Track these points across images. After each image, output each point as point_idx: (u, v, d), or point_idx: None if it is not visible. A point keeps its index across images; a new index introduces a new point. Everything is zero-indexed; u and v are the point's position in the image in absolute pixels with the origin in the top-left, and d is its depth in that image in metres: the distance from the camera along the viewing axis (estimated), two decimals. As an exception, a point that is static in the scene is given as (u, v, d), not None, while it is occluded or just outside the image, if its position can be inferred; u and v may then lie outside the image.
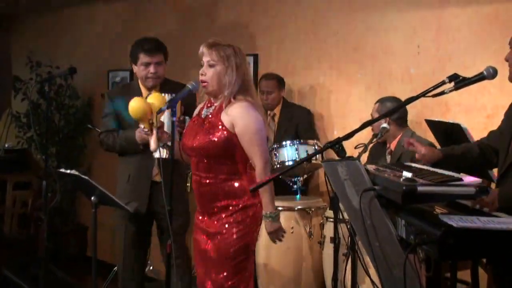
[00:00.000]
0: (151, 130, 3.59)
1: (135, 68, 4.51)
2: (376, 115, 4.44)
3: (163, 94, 3.72)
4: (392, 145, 4.49)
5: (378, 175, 2.59)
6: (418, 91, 4.44)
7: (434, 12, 4.75)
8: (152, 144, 3.59)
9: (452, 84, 2.81)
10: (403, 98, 4.42)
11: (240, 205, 3.46)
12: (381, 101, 4.52)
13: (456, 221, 2.23)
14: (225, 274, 3.43)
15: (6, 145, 8.02)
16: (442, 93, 2.79)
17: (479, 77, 2.81)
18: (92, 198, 3.95)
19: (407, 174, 2.40)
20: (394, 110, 3.99)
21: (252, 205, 3.48)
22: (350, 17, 5.25)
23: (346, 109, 5.26)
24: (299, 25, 5.62)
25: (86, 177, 3.92)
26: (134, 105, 3.62)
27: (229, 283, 3.43)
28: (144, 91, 4.51)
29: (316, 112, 5.48)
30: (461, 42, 4.61)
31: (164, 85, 4.52)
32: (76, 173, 3.96)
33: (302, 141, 4.66)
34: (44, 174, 4.38)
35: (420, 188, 2.29)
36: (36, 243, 6.84)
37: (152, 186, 4.48)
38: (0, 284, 5.31)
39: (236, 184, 3.47)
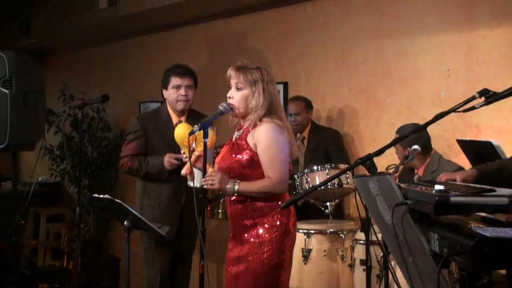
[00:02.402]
0: (190, 157, 3.65)
1: (166, 93, 4.59)
2: (399, 146, 4.41)
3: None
4: (420, 171, 4.46)
5: (410, 189, 2.58)
6: (449, 115, 4.47)
7: (463, 35, 4.75)
8: (185, 169, 3.65)
9: (483, 99, 2.79)
10: (435, 123, 4.40)
11: (268, 224, 3.46)
12: (401, 131, 4.44)
13: (490, 232, 2.21)
14: None
15: (40, 179, 8.14)
16: (473, 108, 2.77)
17: (510, 92, 2.79)
18: (125, 222, 3.98)
19: (439, 187, 2.39)
20: (427, 125, 3.87)
21: (281, 223, 3.48)
22: (379, 43, 5.27)
23: (376, 134, 5.26)
24: (328, 52, 5.65)
25: (119, 201, 3.96)
26: (181, 131, 3.70)
27: None
28: (173, 116, 4.59)
29: (347, 136, 5.48)
30: (491, 64, 4.60)
31: (190, 114, 4.59)
32: (109, 197, 4.01)
33: (333, 165, 4.65)
34: (77, 204, 4.43)
35: (452, 199, 2.27)
36: (69, 275, 6.88)
37: (182, 212, 4.55)
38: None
39: (264, 202, 3.48)
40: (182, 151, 3.73)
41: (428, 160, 4.43)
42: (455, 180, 3.02)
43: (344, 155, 5.24)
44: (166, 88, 4.60)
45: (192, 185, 3.66)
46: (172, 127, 4.42)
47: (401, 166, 4.30)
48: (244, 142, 3.50)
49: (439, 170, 4.29)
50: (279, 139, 3.46)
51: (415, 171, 4.53)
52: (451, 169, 4.26)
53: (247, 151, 3.47)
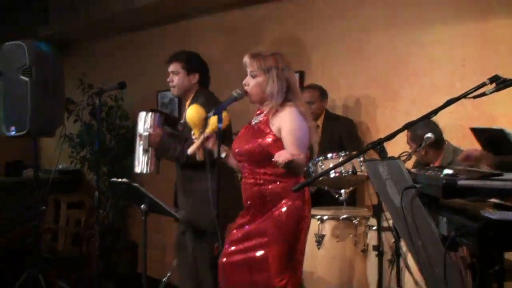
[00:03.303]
0: (198, 138, 3.72)
1: None
2: (411, 143, 4.44)
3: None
4: (436, 164, 4.47)
5: (419, 173, 2.62)
6: (463, 103, 4.49)
7: (479, 25, 4.76)
8: (191, 148, 3.73)
9: (493, 85, 2.82)
10: (447, 111, 4.42)
11: (284, 207, 3.52)
12: (412, 128, 4.38)
13: (497, 215, 2.25)
14: (272, 274, 3.49)
15: (60, 166, 8.26)
16: (483, 94, 2.81)
17: (520, 78, 2.82)
18: (142, 206, 4.06)
19: (447, 171, 2.43)
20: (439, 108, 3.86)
21: (296, 208, 3.54)
22: (394, 32, 5.29)
23: (392, 123, 5.28)
24: (344, 42, 5.68)
25: (136, 185, 4.04)
26: (193, 112, 3.77)
27: (277, 281, 3.48)
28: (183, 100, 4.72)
29: (362, 126, 5.52)
30: (506, 54, 4.60)
31: (195, 97, 4.66)
32: (127, 181, 4.09)
33: (347, 153, 4.68)
34: (96, 189, 4.53)
35: (460, 182, 2.30)
36: (88, 260, 6.99)
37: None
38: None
39: (281, 186, 3.54)
40: (192, 132, 3.79)
41: (442, 153, 4.46)
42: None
43: (358, 144, 5.25)
44: None
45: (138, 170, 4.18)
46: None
47: (415, 159, 4.33)
48: (266, 127, 3.57)
49: (454, 161, 4.32)
50: (302, 123, 3.54)
51: (430, 165, 4.53)
52: None
53: (270, 135, 3.54)
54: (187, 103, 4.69)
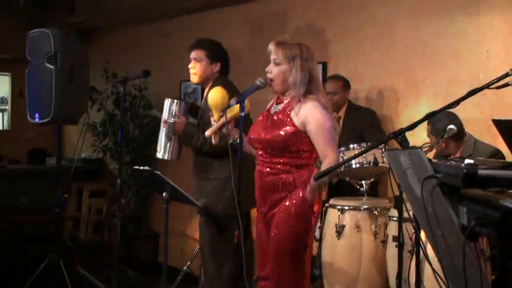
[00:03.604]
0: (217, 122, 3.74)
1: None
2: (431, 137, 4.42)
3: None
4: (457, 155, 4.46)
5: (440, 163, 2.61)
6: (487, 96, 4.48)
7: (504, 16, 4.72)
8: (209, 130, 3.75)
9: (517, 76, 2.81)
10: (471, 103, 4.41)
11: (296, 198, 3.54)
12: (432, 122, 4.38)
13: (517, 205, 2.24)
14: (280, 265, 3.51)
15: (83, 155, 8.34)
16: (506, 85, 2.80)
17: (544, 69, 2.80)
18: (164, 194, 4.10)
19: (469, 161, 2.42)
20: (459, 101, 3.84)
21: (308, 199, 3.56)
22: (418, 23, 5.27)
23: (415, 115, 5.25)
24: (367, 33, 5.67)
25: (158, 172, 4.07)
26: (215, 95, 3.79)
27: (285, 274, 3.50)
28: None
29: (385, 117, 5.50)
30: (531, 46, 4.59)
31: (214, 85, 4.64)
32: (149, 168, 4.12)
33: (369, 144, 4.68)
34: (118, 174, 4.57)
35: (480, 171, 2.30)
36: (109, 248, 7.05)
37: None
38: (76, 282, 5.50)
39: (295, 176, 3.55)
40: (210, 114, 3.81)
41: (462, 146, 4.43)
42: None
43: (380, 136, 5.20)
44: None
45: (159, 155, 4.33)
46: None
47: (435, 149, 4.32)
48: (287, 118, 3.57)
49: (475, 153, 4.30)
50: (326, 117, 3.54)
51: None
52: (486, 151, 4.27)
53: (291, 126, 3.54)
54: (206, 90, 4.71)
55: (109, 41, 8.94)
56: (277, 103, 3.71)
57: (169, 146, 4.56)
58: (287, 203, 3.55)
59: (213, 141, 3.81)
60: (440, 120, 4.29)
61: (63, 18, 8.37)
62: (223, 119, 3.66)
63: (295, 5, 6.33)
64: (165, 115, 4.59)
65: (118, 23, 8.51)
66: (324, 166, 3.47)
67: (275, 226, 3.56)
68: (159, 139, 4.64)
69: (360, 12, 5.72)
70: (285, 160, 3.56)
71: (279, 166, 3.57)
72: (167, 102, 4.65)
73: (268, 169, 3.60)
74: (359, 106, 5.50)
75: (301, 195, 3.54)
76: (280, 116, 3.59)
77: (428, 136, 4.48)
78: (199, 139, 4.51)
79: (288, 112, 3.57)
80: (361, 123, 5.27)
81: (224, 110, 3.62)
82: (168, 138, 4.57)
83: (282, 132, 3.53)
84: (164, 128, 4.58)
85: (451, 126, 4.24)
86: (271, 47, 3.60)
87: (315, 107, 3.52)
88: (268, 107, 3.80)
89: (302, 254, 3.56)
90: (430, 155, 4.50)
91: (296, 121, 3.53)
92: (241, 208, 3.47)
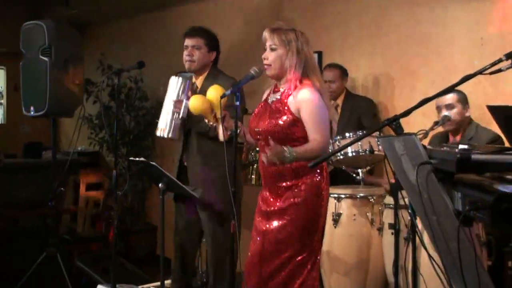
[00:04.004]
0: (217, 122, 3.72)
1: None
2: (458, 105, 4.39)
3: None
4: (457, 137, 4.46)
5: (434, 149, 2.62)
6: (482, 82, 4.48)
7: (497, 3, 4.72)
8: (220, 135, 3.72)
9: (510, 62, 2.80)
10: (466, 91, 4.41)
11: (304, 184, 3.54)
12: (456, 91, 4.33)
13: (511, 188, 2.24)
14: (290, 252, 3.52)
15: (79, 148, 8.33)
16: (499, 70, 2.79)
17: (537, 54, 2.79)
18: (160, 185, 4.09)
19: (463, 146, 2.42)
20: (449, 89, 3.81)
21: (315, 183, 3.56)
22: (412, 11, 5.26)
23: (410, 103, 5.22)
24: (362, 21, 5.66)
25: (154, 163, 4.07)
26: (194, 102, 3.77)
27: (297, 259, 3.51)
28: (193, 77, 4.70)
29: (381, 105, 5.50)
30: (525, 32, 4.58)
31: (210, 74, 4.71)
32: (145, 160, 4.12)
33: (365, 132, 4.68)
34: (114, 166, 4.56)
35: (474, 156, 2.30)
36: (107, 241, 7.05)
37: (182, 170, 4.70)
38: (73, 275, 5.51)
39: (298, 165, 3.55)
40: (206, 120, 3.79)
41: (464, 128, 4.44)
42: None
43: (376, 124, 5.22)
44: None
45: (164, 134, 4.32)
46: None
47: (433, 132, 4.32)
48: (284, 106, 3.56)
49: (475, 137, 4.31)
50: (320, 102, 3.54)
51: (450, 138, 4.53)
52: (488, 136, 4.26)
53: (288, 115, 3.54)
54: (199, 79, 4.69)
55: (104, 34, 8.92)
56: (274, 92, 3.70)
57: (175, 125, 4.48)
58: (294, 192, 3.56)
59: (221, 138, 3.78)
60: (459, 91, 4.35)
61: (57, 11, 8.34)
62: (220, 117, 3.67)
63: (289, -5, 6.32)
64: (174, 94, 4.52)
65: (113, 15, 8.49)
66: (307, 148, 3.48)
67: (284, 214, 3.57)
68: (165, 118, 4.52)
69: (355, 1, 5.71)
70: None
71: None
72: (175, 80, 4.58)
73: None
74: (356, 95, 5.51)
75: (308, 181, 3.56)
76: (278, 105, 3.59)
77: (453, 106, 4.43)
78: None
79: (285, 100, 3.57)
80: (358, 111, 5.29)
81: (221, 97, 3.60)
82: (176, 117, 4.47)
83: (280, 122, 3.53)
84: (175, 107, 4.48)
85: (446, 113, 4.25)
86: (266, 33, 3.61)
87: (310, 93, 3.52)
88: (265, 97, 3.79)
89: (310, 241, 3.58)
90: (426, 142, 4.50)
91: (293, 107, 3.53)
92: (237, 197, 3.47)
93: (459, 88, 3.22)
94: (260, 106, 3.76)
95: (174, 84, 4.53)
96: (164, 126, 4.47)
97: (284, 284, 3.58)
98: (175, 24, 7.55)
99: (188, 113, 4.35)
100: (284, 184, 3.59)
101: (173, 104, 4.46)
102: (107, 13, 8.43)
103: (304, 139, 3.55)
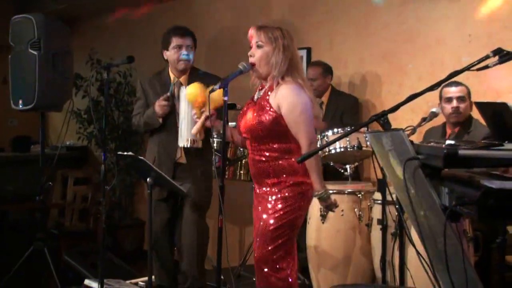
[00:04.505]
0: (200, 117, 3.73)
1: (167, 54, 4.71)
2: (467, 99, 4.47)
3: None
4: (456, 130, 4.49)
5: (422, 145, 2.63)
6: (470, 79, 4.51)
7: (485, 1, 4.76)
8: (195, 128, 3.73)
9: (497, 58, 2.82)
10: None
11: (290, 182, 3.55)
12: (464, 84, 4.48)
13: (497, 184, 2.26)
14: (269, 248, 3.53)
15: (68, 143, 8.31)
16: (486, 67, 2.80)
17: (523, 50, 2.81)
18: (148, 179, 4.09)
19: (450, 141, 2.44)
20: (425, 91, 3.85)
21: (302, 183, 3.57)
22: (401, 8, 5.30)
23: (398, 99, 5.21)
24: (350, 18, 5.69)
25: (142, 158, 4.07)
26: (192, 90, 3.77)
27: (274, 257, 3.52)
28: (172, 77, 4.70)
29: (368, 102, 5.53)
30: (512, 29, 4.62)
31: (193, 73, 4.71)
32: (132, 154, 4.12)
33: (353, 128, 4.69)
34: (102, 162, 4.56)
35: (461, 152, 2.31)
36: (95, 235, 7.04)
37: (176, 168, 4.68)
38: (61, 269, 5.50)
39: (288, 162, 3.56)
40: (193, 112, 3.79)
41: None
42: None
43: (357, 121, 5.28)
44: (167, 49, 4.71)
45: (181, 144, 4.19)
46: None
47: (429, 125, 4.36)
48: (266, 103, 3.56)
49: (473, 131, 4.36)
50: (300, 98, 3.52)
51: (448, 130, 4.55)
52: (485, 132, 4.30)
53: (270, 112, 3.53)
54: (182, 78, 4.69)
55: (94, 28, 8.89)
56: (259, 90, 3.71)
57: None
58: (281, 189, 3.57)
59: (198, 136, 3.79)
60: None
61: (47, 5, 8.31)
62: (205, 114, 3.68)
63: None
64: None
65: (103, 9, 8.46)
66: (310, 166, 3.54)
67: (266, 210, 3.58)
68: (188, 127, 4.24)
69: (344, -3, 5.74)
70: (274, 146, 3.56)
71: (268, 153, 3.57)
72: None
73: (258, 156, 3.61)
74: (341, 92, 5.53)
75: (294, 179, 3.56)
76: (261, 102, 3.59)
77: (465, 99, 4.50)
78: None
79: (267, 97, 3.57)
80: (341, 108, 5.31)
81: (210, 92, 3.61)
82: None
83: (263, 119, 3.53)
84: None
85: (434, 110, 4.28)
86: (252, 31, 3.62)
87: (290, 90, 3.52)
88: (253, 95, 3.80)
89: (290, 236, 3.57)
90: (414, 138, 4.53)
91: (274, 105, 3.52)
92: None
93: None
94: (247, 104, 3.77)
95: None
96: (191, 137, 4.29)
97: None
98: (166, 20, 7.53)
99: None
100: (271, 181, 3.60)
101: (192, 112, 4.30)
102: (97, 7, 8.39)
103: (287, 135, 3.55)
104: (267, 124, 3.52)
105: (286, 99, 3.51)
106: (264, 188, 3.63)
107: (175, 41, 4.67)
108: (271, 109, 3.52)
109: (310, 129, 3.55)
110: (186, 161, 4.66)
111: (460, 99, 4.45)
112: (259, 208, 3.64)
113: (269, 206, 3.57)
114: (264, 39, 3.56)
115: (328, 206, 3.68)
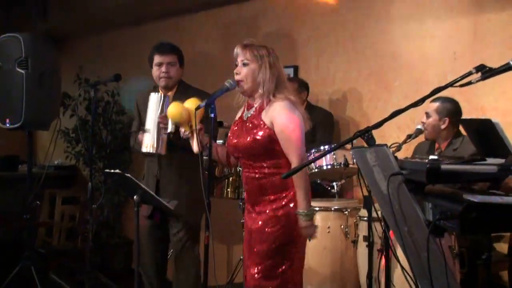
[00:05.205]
0: (192, 133, 3.72)
1: (152, 71, 4.72)
2: (434, 115, 4.46)
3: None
4: (443, 146, 4.52)
5: (405, 160, 2.65)
6: (455, 96, 4.55)
7: (470, 19, 4.81)
8: (195, 146, 3.72)
9: (479, 74, 2.84)
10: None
11: (284, 199, 3.56)
12: (442, 100, 4.46)
13: (479, 198, 2.28)
14: (272, 263, 3.53)
15: (56, 162, 8.30)
16: (469, 83, 2.82)
17: (506, 67, 2.83)
18: (135, 197, 4.08)
19: (433, 157, 2.46)
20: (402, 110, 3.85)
21: (295, 199, 3.57)
22: (387, 26, 5.34)
23: (384, 116, 5.25)
24: (338, 36, 5.73)
25: (129, 175, 4.06)
26: (173, 110, 3.77)
27: (279, 270, 3.54)
28: (161, 93, 4.69)
29: (355, 119, 5.56)
30: (497, 47, 4.66)
31: (181, 89, 4.70)
32: (120, 171, 4.11)
33: (336, 145, 4.72)
34: (89, 179, 4.55)
35: (443, 167, 2.33)
36: (82, 255, 7.01)
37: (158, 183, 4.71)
38: (48, 288, 5.48)
39: (279, 178, 3.55)
40: (182, 129, 3.79)
41: (451, 137, 4.50)
42: None
43: (327, 135, 5.29)
44: (151, 66, 4.75)
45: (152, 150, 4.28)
46: None
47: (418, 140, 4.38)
48: (259, 121, 3.56)
49: (460, 149, 4.37)
50: (293, 116, 3.53)
51: (436, 145, 4.57)
52: (471, 150, 4.33)
53: (265, 129, 3.53)
54: (169, 94, 4.68)
55: (82, 47, 8.91)
56: (248, 109, 3.71)
57: (162, 140, 4.44)
58: (276, 205, 3.57)
59: (195, 150, 3.78)
60: (449, 101, 4.43)
61: (35, 24, 8.33)
62: (196, 128, 3.68)
63: (266, 10, 6.37)
64: (157, 109, 4.44)
65: (91, 29, 8.49)
66: (299, 185, 3.53)
67: (265, 226, 3.57)
68: (152, 134, 4.42)
69: (331, 16, 5.78)
70: (269, 162, 3.57)
71: (264, 170, 3.58)
72: (157, 96, 4.46)
73: (253, 174, 3.61)
74: (315, 106, 5.55)
75: (289, 195, 3.57)
76: (253, 121, 3.59)
77: (427, 112, 4.50)
78: None
79: (259, 115, 3.58)
80: (314, 121, 5.30)
81: (196, 109, 3.62)
82: (164, 132, 4.36)
83: (258, 137, 3.53)
84: (161, 122, 4.34)
85: (419, 127, 4.31)
86: (238, 49, 3.62)
87: (283, 108, 3.52)
88: (239, 114, 3.80)
89: (291, 253, 3.59)
90: (401, 154, 4.55)
91: (268, 122, 3.53)
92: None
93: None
94: (235, 123, 3.77)
95: (156, 100, 4.48)
96: (151, 142, 4.42)
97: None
98: (154, 39, 7.52)
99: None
100: (265, 198, 3.60)
101: (158, 119, 4.40)
102: (85, 26, 8.42)
103: (282, 151, 3.56)
104: (262, 141, 3.53)
105: (279, 116, 3.51)
106: (260, 208, 3.62)
107: (156, 58, 4.71)
108: (265, 126, 3.53)
109: (301, 147, 3.56)
110: (165, 176, 4.68)
111: (427, 115, 4.48)
112: (254, 227, 3.63)
113: (263, 227, 3.57)
114: (250, 57, 3.56)
115: (308, 228, 3.59)
